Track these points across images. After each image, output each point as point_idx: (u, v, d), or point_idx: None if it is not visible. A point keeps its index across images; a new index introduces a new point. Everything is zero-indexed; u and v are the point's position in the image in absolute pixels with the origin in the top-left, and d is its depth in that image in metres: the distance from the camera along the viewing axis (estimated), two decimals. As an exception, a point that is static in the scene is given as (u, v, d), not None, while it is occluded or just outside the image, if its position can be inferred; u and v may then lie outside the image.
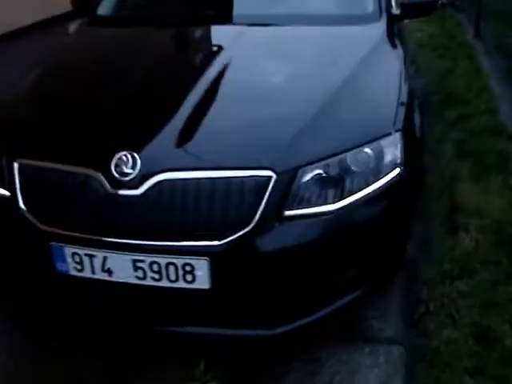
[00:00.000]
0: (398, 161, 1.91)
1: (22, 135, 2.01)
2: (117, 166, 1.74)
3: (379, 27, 2.51)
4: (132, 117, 1.96)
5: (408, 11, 2.72)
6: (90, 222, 1.77)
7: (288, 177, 1.73)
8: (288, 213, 1.73)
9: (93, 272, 1.79)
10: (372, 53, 2.30)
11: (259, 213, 1.69)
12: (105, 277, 1.79)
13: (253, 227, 1.69)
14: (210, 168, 1.72)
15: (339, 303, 1.90)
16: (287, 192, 1.73)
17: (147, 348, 2.00)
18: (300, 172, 1.75)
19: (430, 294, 2.33)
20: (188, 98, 1.96)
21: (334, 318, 2.00)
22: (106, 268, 1.77)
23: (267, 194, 1.70)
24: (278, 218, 1.72)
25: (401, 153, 1.92)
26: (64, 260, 1.81)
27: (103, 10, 2.92)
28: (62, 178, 1.81)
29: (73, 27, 2.99)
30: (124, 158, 1.73)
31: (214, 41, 2.48)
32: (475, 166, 3.29)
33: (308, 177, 1.77)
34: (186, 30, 2.60)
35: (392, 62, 2.34)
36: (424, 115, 2.68)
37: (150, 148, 1.78)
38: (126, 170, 1.72)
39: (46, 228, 1.82)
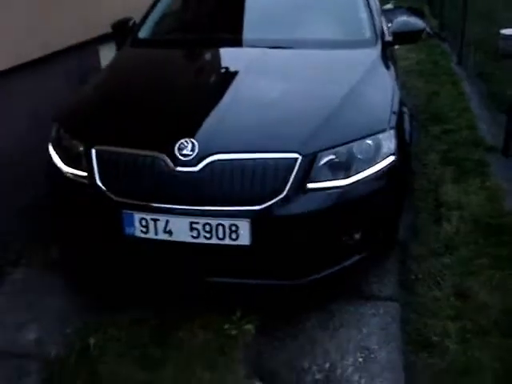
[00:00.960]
0: (392, 151, 2.45)
1: (98, 128, 2.53)
2: (179, 149, 2.26)
3: (376, 50, 3.09)
4: (189, 112, 2.51)
5: (398, 38, 3.30)
6: (156, 193, 2.28)
7: (309, 159, 2.26)
8: (310, 185, 2.26)
9: (156, 233, 2.29)
10: (370, 70, 2.87)
11: (288, 185, 2.22)
12: (165, 237, 2.29)
13: (284, 196, 2.21)
14: (251, 151, 2.25)
15: (350, 261, 2.41)
16: (309, 170, 2.26)
17: (194, 299, 2.48)
18: (318, 155, 2.29)
19: (419, 266, 2.85)
20: (229, 99, 2.52)
21: (345, 276, 2.51)
22: (167, 230, 2.27)
23: (295, 171, 2.23)
24: (303, 189, 2.25)
25: (394, 145, 2.47)
26: (132, 224, 2.31)
27: (143, 33, 3.49)
28: (132, 160, 2.33)
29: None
30: (185, 143, 2.26)
31: (242, 56, 3.04)
32: (457, 171, 3.85)
33: (324, 160, 2.31)
34: (219, 49, 3.16)
35: (386, 77, 2.91)
36: (412, 123, 3.21)
37: (205, 135, 2.31)
38: (187, 153, 2.25)
39: (119, 199, 2.32)
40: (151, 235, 2.30)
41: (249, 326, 2.38)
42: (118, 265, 2.46)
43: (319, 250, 2.34)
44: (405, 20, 3.38)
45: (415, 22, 3.37)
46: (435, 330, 2.40)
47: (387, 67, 3.02)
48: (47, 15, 3.74)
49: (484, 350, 2.25)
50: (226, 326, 2.36)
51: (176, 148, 2.27)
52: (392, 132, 2.48)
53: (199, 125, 2.36)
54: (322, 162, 2.30)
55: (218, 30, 3.39)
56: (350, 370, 2.21)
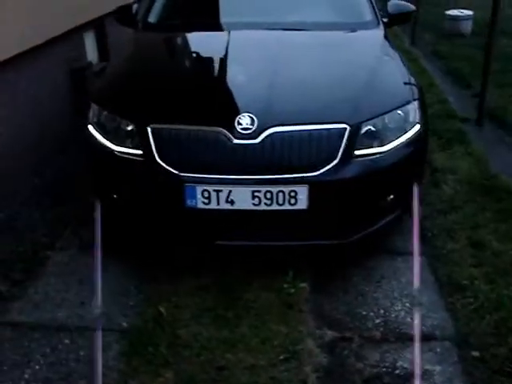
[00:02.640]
0: (417, 120, 2.75)
1: (149, 107, 2.63)
2: (239, 123, 2.43)
3: (380, 31, 3.38)
4: (241, 88, 2.67)
5: (394, 19, 3.60)
6: (218, 166, 2.45)
7: (355, 129, 2.51)
8: (357, 152, 2.51)
9: (218, 203, 2.46)
10: (382, 48, 3.17)
11: (340, 152, 2.46)
12: (228, 206, 2.46)
13: (337, 162, 2.45)
14: (306, 123, 2.46)
15: (386, 220, 2.70)
16: (355, 138, 2.50)
17: (250, 264, 2.67)
18: (361, 126, 2.54)
19: (431, 224, 3.18)
20: (273, 75, 2.70)
21: (380, 234, 2.79)
22: (229, 199, 2.44)
23: (344, 139, 2.47)
24: (351, 156, 2.49)
25: (419, 114, 2.76)
26: (194, 197, 2.46)
27: (152, 18, 3.59)
28: (192, 136, 2.47)
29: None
30: (244, 117, 2.44)
31: (265, 37, 3.21)
32: (440, 140, 4.24)
33: (364, 130, 2.56)
34: (238, 31, 3.28)
35: (396, 54, 3.20)
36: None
37: (261, 110, 2.48)
38: (247, 126, 2.42)
39: (181, 174, 2.46)
40: (213, 205, 2.46)
41: (303, 284, 2.61)
42: (177, 235, 2.60)
43: (363, 210, 2.60)
44: (397, 3, 3.69)
45: (406, 4, 3.69)
46: (462, 275, 2.73)
47: (392, 45, 3.31)
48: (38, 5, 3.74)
49: (510, 288, 2.61)
50: (285, 286, 2.57)
51: (235, 122, 2.44)
52: (416, 103, 2.77)
53: (254, 100, 2.54)
54: (363, 132, 2.55)
55: (225, 14, 3.54)
56: (402, 313, 2.50)
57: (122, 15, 3.71)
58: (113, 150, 2.63)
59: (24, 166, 3.62)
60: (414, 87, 2.87)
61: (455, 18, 7.66)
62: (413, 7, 3.68)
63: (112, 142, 2.65)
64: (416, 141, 2.72)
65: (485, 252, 2.89)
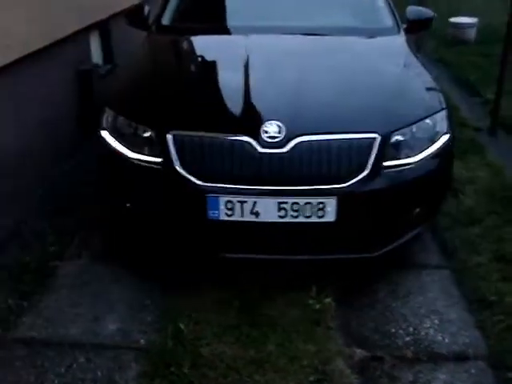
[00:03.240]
0: (445, 130, 2.65)
1: (169, 113, 2.51)
2: (265, 131, 2.32)
3: (401, 37, 3.29)
4: (266, 94, 2.55)
5: (413, 26, 3.50)
6: (243, 176, 2.33)
7: (384, 138, 2.41)
8: (386, 163, 2.41)
9: (242, 215, 2.34)
10: (407, 56, 3.07)
11: (370, 163, 2.36)
12: (252, 218, 2.34)
13: (367, 173, 2.35)
14: (336, 132, 2.36)
15: (414, 232, 2.60)
16: (385, 149, 2.40)
17: (271, 278, 2.56)
18: (391, 136, 2.43)
19: (452, 236, 3.09)
20: (299, 82, 2.58)
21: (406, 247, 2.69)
22: (254, 211, 2.33)
23: (374, 149, 2.37)
24: (380, 166, 2.39)
25: (447, 124, 2.67)
26: (217, 208, 2.35)
27: (166, 21, 3.48)
28: (216, 144, 2.36)
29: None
30: (271, 125, 2.32)
31: (286, 42, 3.12)
32: (455, 149, 4.15)
33: (393, 140, 2.46)
34: (257, 35, 3.15)
35: (419, 62, 3.10)
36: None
37: (289, 117, 2.37)
38: (274, 135, 2.31)
39: (203, 183, 2.35)
40: (236, 217, 2.35)
41: (328, 300, 2.50)
42: (197, 247, 2.49)
43: (391, 223, 2.51)
44: (417, 8, 3.61)
45: (426, 10, 3.60)
46: (490, 290, 2.64)
47: (415, 53, 3.22)
48: (47, 5, 3.61)
49: (542, 305, 2.52)
50: (311, 302, 2.46)
51: (262, 130, 2.33)
52: (444, 112, 2.68)
53: (281, 107, 2.42)
54: (392, 142, 2.45)
55: (242, 17, 3.43)
56: (431, 331, 2.40)
57: (134, 17, 3.58)
58: (128, 157, 2.51)
59: (29, 172, 3.48)
60: (441, 96, 2.78)
61: (459, 26, 7.62)
62: (433, 13, 3.58)
63: (128, 149, 2.53)
64: (445, 151, 2.62)
65: (511, 267, 2.80)
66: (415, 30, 3.58)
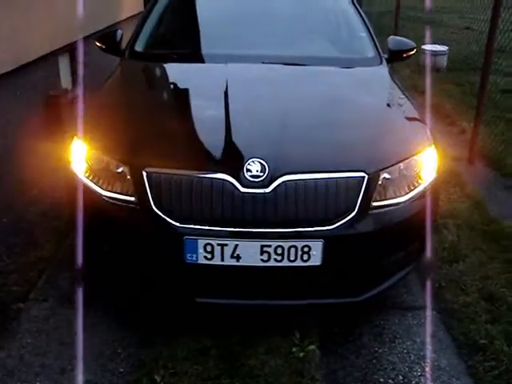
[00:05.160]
0: (434, 166, 2.57)
1: (145, 149, 2.35)
2: (248, 170, 2.19)
3: (384, 68, 3.23)
4: (248, 131, 2.42)
5: (394, 56, 3.44)
6: (223, 217, 2.18)
7: (373, 177, 2.30)
8: (374, 203, 2.30)
9: (222, 259, 2.19)
10: (391, 89, 3.00)
11: (358, 203, 2.24)
12: (232, 262, 2.19)
13: (355, 214, 2.23)
14: (321, 171, 2.23)
15: (401, 274, 2.49)
16: (373, 188, 2.29)
17: (251, 324, 2.41)
18: (379, 174, 2.33)
19: (437, 274, 2.99)
20: (281, 117, 2.46)
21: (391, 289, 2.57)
22: (235, 255, 2.18)
23: (363, 189, 2.25)
24: (369, 207, 2.28)
25: (435, 161, 2.58)
26: (195, 251, 2.19)
27: (139, 47, 3.34)
28: (194, 183, 2.20)
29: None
30: (253, 164, 2.19)
31: (264, 73, 2.99)
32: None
33: (381, 178, 2.35)
34: (234, 64, 3.04)
35: (404, 95, 3.02)
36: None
37: (273, 156, 2.23)
38: (257, 174, 2.18)
39: (180, 225, 2.19)
40: (216, 261, 2.20)
41: (312, 347, 2.37)
42: (174, 292, 2.32)
43: (378, 266, 2.39)
44: (399, 39, 3.57)
45: (407, 41, 3.55)
46: (479, 333, 2.54)
47: (399, 85, 3.15)
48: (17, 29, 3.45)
49: (533, 349, 2.43)
50: (294, 349, 2.32)
51: (244, 169, 2.19)
52: (432, 148, 2.59)
53: (264, 144, 2.29)
54: (380, 181, 2.35)
55: (219, 45, 3.31)
56: (422, 379, 2.28)
57: (105, 42, 3.43)
58: (100, 194, 2.34)
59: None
60: (427, 130, 2.70)
61: (431, 53, 7.70)
62: (414, 44, 3.53)
63: (99, 186, 2.36)
64: (433, 189, 2.53)
65: (500, 307, 2.72)
66: (396, 60, 3.51)
